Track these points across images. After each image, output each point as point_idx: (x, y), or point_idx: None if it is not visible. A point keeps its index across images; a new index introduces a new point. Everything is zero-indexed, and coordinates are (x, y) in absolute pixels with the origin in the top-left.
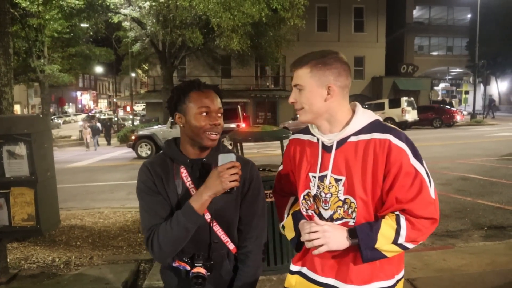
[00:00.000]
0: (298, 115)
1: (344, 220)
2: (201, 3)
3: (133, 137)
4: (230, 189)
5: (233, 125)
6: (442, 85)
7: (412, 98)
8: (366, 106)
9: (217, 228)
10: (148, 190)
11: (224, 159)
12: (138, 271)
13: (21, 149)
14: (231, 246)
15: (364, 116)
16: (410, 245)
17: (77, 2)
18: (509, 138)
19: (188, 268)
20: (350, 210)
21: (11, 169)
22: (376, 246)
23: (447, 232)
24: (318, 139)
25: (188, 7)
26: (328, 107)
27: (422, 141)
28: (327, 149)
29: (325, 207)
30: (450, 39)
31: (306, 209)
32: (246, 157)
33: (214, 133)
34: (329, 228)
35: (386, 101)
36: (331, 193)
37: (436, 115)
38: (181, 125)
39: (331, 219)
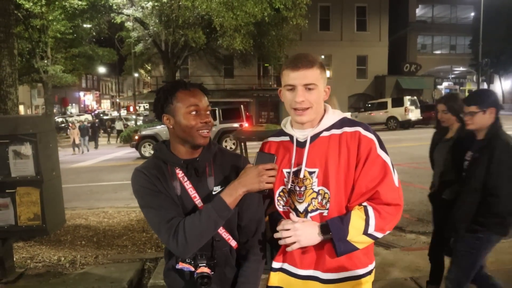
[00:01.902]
0: (299, 115)
1: (319, 211)
2: (203, 3)
3: (136, 137)
4: (264, 190)
5: (236, 125)
6: (445, 83)
7: (415, 97)
8: (369, 105)
9: (220, 228)
10: (150, 191)
11: (264, 158)
12: (143, 270)
13: (26, 149)
14: (233, 243)
15: (335, 114)
16: (379, 234)
17: (80, 2)
18: None
19: (192, 269)
20: (324, 201)
21: (17, 169)
22: (348, 238)
23: None
24: (291, 137)
25: (190, 7)
26: (322, 107)
27: (426, 140)
28: (300, 145)
29: (300, 200)
30: (453, 38)
31: (283, 206)
32: (250, 156)
33: (205, 130)
34: (300, 226)
35: (389, 100)
36: (305, 186)
37: None
38: (170, 127)
39: (306, 211)
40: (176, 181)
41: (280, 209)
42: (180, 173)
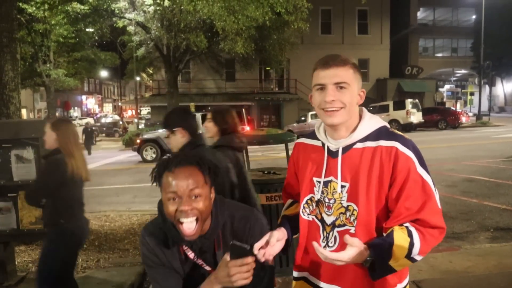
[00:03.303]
0: (329, 116)
1: (346, 227)
2: (205, 7)
3: (138, 141)
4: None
5: None
6: (447, 86)
7: (417, 100)
8: (371, 108)
9: None
10: (152, 263)
11: (237, 251)
12: (144, 274)
13: (28, 153)
14: None
15: (371, 122)
16: (419, 258)
17: (82, 7)
18: None
19: None
20: (352, 218)
21: (19, 173)
22: (390, 262)
23: (453, 234)
24: (323, 144)
25: (192, 11)
26: (356, 111)
27: (428, 143)
28: (332, 154)
29: (328, 213)
30: (454, 41)
31: (308, 214)
32: (252, 160)
33: (188, 219)
34: (352, 254)
35: (391, 103)
36: (334, 199)
37: (441, 116)
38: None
39: (333, 225)
40: (182, 255)
41: (304, 217)
42: (187, 249)
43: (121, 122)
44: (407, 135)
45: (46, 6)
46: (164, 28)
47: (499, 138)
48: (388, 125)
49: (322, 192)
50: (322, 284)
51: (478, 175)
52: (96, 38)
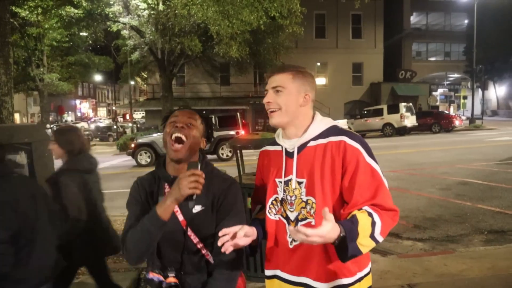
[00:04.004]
0: (269, 118)
1: (308, 220)
2: (199, 11)
3: (132, 145)
4: (191, 196)
5: (232, 132)
6: (440, 90)
7: (410, 104)
8: (365, 112)
9: (196, 240)
10: (134, 200)
11: (189, 167)
12: (139, 279)
13: (21, 158)
14: (211, 259)
15: (322, 123)
16: (380, 238)
17: (76, 11)
18: (508, 142)
19: (162, 278)
20: (312, 210)
21: None
22: (357, 240)
23: (448, 237)
24: (282, 147)
25: (186, 15)
26: (300, 113)
27: (421, 146)
28: (289, 155)
29: (291, 209)
30: (447, 45)
31: (274, 214)
32: (246, 163)
33: (177, 135)
34: (329, 230)
35: (385, 107)
36: (295, 195)
37: (435, 120)
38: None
39: (296, 219)
40: (162, 196)
41: (271, 217)
42: (167, 188)
43: (115, 127)
44: (400, 138)
45: (40, 10)
46: (159, 32)
47: (492, 141)
48: (338, 125)
49: (284, 191)
50: (292, 277)
51: (471, 178)
52: (90, 42)
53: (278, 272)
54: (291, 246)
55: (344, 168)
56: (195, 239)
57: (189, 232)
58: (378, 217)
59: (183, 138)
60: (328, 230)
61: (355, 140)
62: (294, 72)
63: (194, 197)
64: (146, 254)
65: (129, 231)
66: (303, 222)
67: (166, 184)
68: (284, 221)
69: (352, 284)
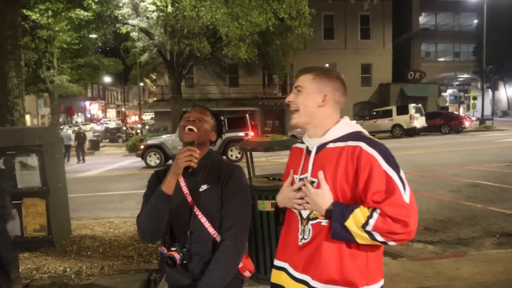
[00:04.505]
0: (291, 118)
1: (318, 220)
2: (208, 13)
3: (142, 146)
4: (188, 169)
5: (241, 134)
6: (449, 91)
7: (420, 105)
8: (374, 113)
9: (203, 220)
10: (149, 189)
11: (185, 146)
12: (148, 281)
13: (33, 160)
14: (219, 238)
15: (345, 127)
16: (378, 236)
17: (86, 13)
18: None
19: (166, 251)
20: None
21: (23, 180)
22: (346, 224)
23: (459, 239)
24: (305, 145)
25: (195, 17)
26: (319, 113)
27: (431, 148)
28: (309, 153)
29: (304, 208)
30: (457, 45)
31: (294, 208)
32: (256, 165)
33: (190, 126)
34: (319, 194)
35: (394, 108)
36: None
37: (444, 121)
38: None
39: (308, 218)
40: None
41: (293, 209)
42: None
43: (124, 128)
44: (409, 139)
45: (50, 12)
46: (168, 34)
47: (502, 142)
48: (364, 132)
49: (299, 188)
50: (295, 273)
51: (482, 180)
52: (100, 44)
53: (286, 266)
54: (300, 243)
55: (358, 174)
56: (202, 218)
57: (196, 211)
58: (378, 215)
59: (194, 129)
60: (316, 192)
61: (373, 146)
62: (316, 73)
63: (190, 169)
64: (158, 231)
65: (141, 212)
66: (314, 222)
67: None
68: (298, 217)
69: None
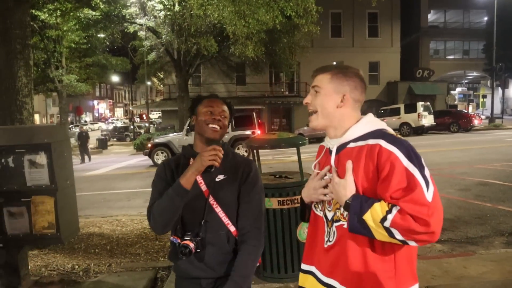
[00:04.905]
0: (309, 121)
1: (341, 222)
2: (215, 12)
3: (149, 145)
4: (210, 167)
5: (248, 132)
6: (458, 89)
7: (428, 103)
8: (382, 111)
9: (218, 209)
10: (159, 178)
11: (211, 144)
12: (156, 279)
13: (41, 158)
14: (232, 228)
15: (367, 125)
16: (398, 235)
17: (94, 13)
18: None
19: (179, 240)
20: (345, 213)
21: (32, 178)
22: (364, 217)
23: (467, 238)
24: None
25: (202, 15)
26: (338, 114)
27: (439, 146)
28: (331, 154)
29: (329, 209)
30: (466, 43)
31: (320, 210)
32: (263, 163)
33: (215, 126)
34: (342, 184)
35: (402, 106)
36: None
37: (453, 119)
38: (193, 123)
39: (332, 220)
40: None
41: (316, 212)
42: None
43: (132, 127)
44: (417, 137)
45: (59, 12)
46: (175, 32)
47: None
48: (387, 129)
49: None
50: (322, 277)
51: (491, 178)
52: (108, 43)
53: (313, 269)
54: (325, 246)
55: (379, 172)
56: (217, 207)
57: (211, 200)
58: (396, 211)
59: (219, 129)
60: (339, 182)
61: (393, 143)
62: (333, 72)
63: (213, 168)
64: (171, 223)
65: (155, 203)
66: (338, 224)
67: (192, 159)
68: (324, 219)
69: None
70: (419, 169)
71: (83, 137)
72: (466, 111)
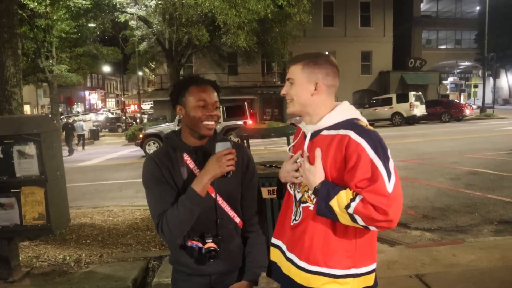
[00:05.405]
0: (287, 107)
1: (307, 204)
2: (206, 1)
3: (141, 136)
4: (227, 173)
5: (240, 122)
6: (450, 79)
7: (420, 93)
8: (374, 101)
9: (224, 205)
10: (157, 180)
11: (222, 146)
12: (147, 269)
13: (31, 149)
14: (237, 220)
15: (340, 114)
16: (360, 220)
17: (84, 2)
18: None
19: (201, 245)
20: (312, 196)
21: (21, 169)
22: (330, 203)
23: (457, 227)
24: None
25: (193, 5)
26: (313, 102)
27: (431, 136)
28: (305, 138)
29: (298, 190)
30: (458, 32)
31: (293, 189)
32: (255, 153)
33: (210, 122)
34: (312, 170)
35: (394, 96)
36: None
37: (444, 109)
38: (182, 116)
39: (300, 201)
40: (184, 166)
41: (289, 190)
42: (188, 159)
43: (124, 117)
44: (409, 127)
45: (48, 1)
46: (166, 22)
47: (503, 130)
48: (360, 118)
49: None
50: (287, 252)
51: (482, 168)
52: (98, 33)
53: (280, 243)
54: (292, 224)
55: (346, 162)
56: (223, 203)
57: (218, 197)
58: (360, 199)
59: (214, 124)
60: (309, 168)
61: (362, 135)
62: (304, 62)
63: (229, 174)
64: (187, 230)
65: (166, 214)
66: (304, 205)
67: (185, 154)
68: (293, 198)
69: (342, 277)
70: (383, 162)
71: (69, 129)
72: (457, 101)
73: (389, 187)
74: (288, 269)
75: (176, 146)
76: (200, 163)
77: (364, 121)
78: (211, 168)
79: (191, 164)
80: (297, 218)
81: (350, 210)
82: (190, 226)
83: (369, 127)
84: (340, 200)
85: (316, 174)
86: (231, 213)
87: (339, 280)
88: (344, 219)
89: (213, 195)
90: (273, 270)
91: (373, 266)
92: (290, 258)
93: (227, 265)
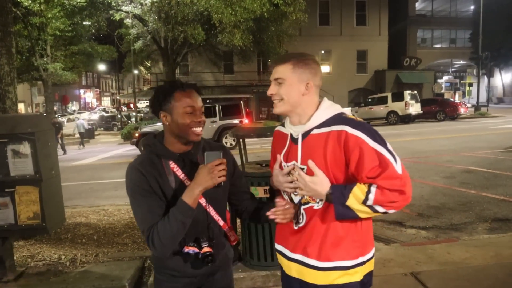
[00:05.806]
0: (274, 107)
1: (310, 204)
2: None
3: (136, 134)
4: (219, 184)
5: (236, 121)
6: (445, 77)
7: (415, 92)
8: (369, 100)
9: (210, 209)
10: (144, 191)
11: (211, 156)
12: (143, 268)
13: (25, 148)
14: (221, 222)
15: (326, 111)
16: (380, 208)
17: (78, 0)
18: None
19: (197, 250)
20: (314, 196)
21: (16, 168)
22: (347, 203)
23: (451, 225)
24: (289, 132)
25: (189, 3)
26: (303, 101)
27: (426, 134)
28: (294, 141)
29: (295, 193)
30: (453, 31)
31: (286, 194)
32: (250, 152)
33: (199, 128)
34: (315, 181)
35: (389, 95)
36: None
37: (439, 108)
38: (167, 123)
39: (299, 203)
40: (171, 175)
41: (285, 196)
42: (175, 167)
43: (119, 116)
44: (404, 126)
45: None
46: (162, 20)
47: (497, 129)
48: (345, 112)
49: (289, 173)
50: (291, 254)
51: (476, 166)
52: (93, 31)
53: (281, 248)
54: (295, 228)
55: (348, 158)
56: (209, 207)
57: (204, 202)
58: (375, 189)
59: (201, 130)
60: (312, 180)
61: (357, 128)
62: (294, 62)
63: (222, 183)
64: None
65: (157, 227)
66: (306, 206)
67: (170, 161)
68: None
69: (353, 267)
70: (385, 147)
71: (56, 128)
72: (452, 100)
73: (398, 168)
74: (297, 271)
75: (160, 153)
76: (188, 171)
77: (349, 114)
78: (203, 180)
79: (178, 172)
80: (300, 221)
81: (370, 203)
82: (180, 238)
83: (358, 118)
84: (356, 197)
85: (323, 183)
86: (216, 216)
87: (350, 271)
88: (363, 213)
89: (203, 202)
90: (281, 273)
91: (374, 250)
92: (298, 259)
93: (214, 266)
